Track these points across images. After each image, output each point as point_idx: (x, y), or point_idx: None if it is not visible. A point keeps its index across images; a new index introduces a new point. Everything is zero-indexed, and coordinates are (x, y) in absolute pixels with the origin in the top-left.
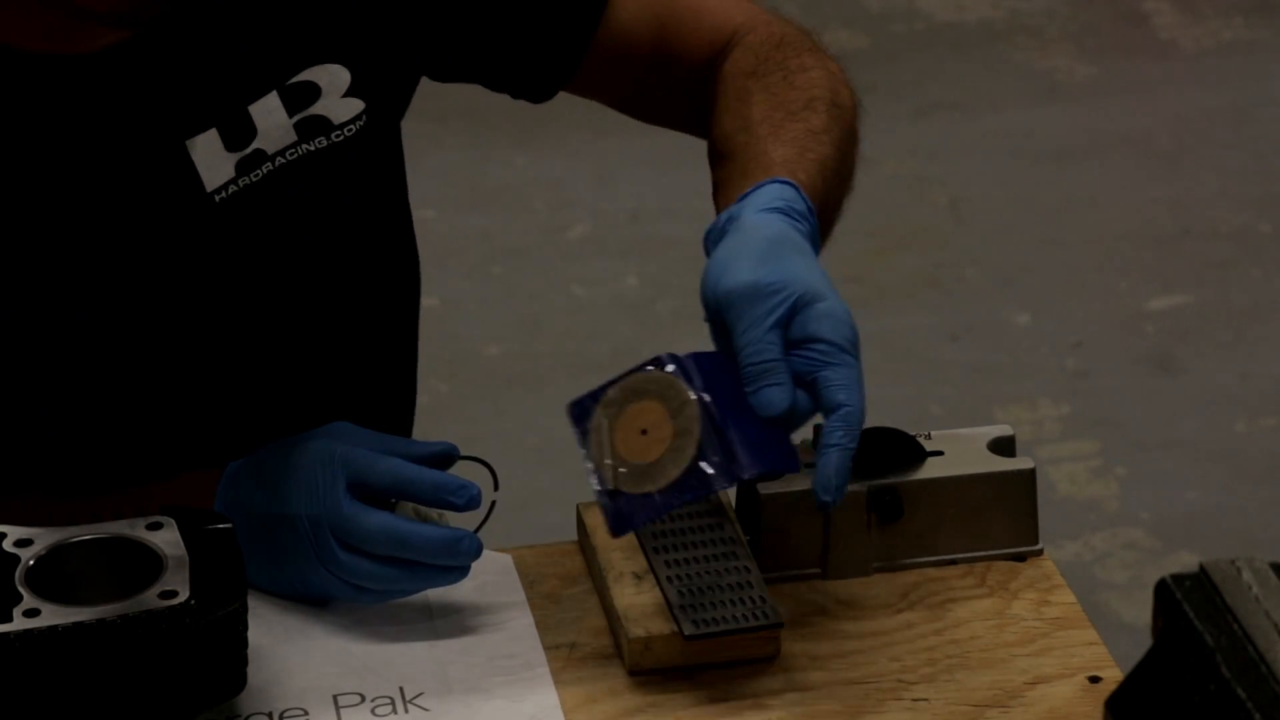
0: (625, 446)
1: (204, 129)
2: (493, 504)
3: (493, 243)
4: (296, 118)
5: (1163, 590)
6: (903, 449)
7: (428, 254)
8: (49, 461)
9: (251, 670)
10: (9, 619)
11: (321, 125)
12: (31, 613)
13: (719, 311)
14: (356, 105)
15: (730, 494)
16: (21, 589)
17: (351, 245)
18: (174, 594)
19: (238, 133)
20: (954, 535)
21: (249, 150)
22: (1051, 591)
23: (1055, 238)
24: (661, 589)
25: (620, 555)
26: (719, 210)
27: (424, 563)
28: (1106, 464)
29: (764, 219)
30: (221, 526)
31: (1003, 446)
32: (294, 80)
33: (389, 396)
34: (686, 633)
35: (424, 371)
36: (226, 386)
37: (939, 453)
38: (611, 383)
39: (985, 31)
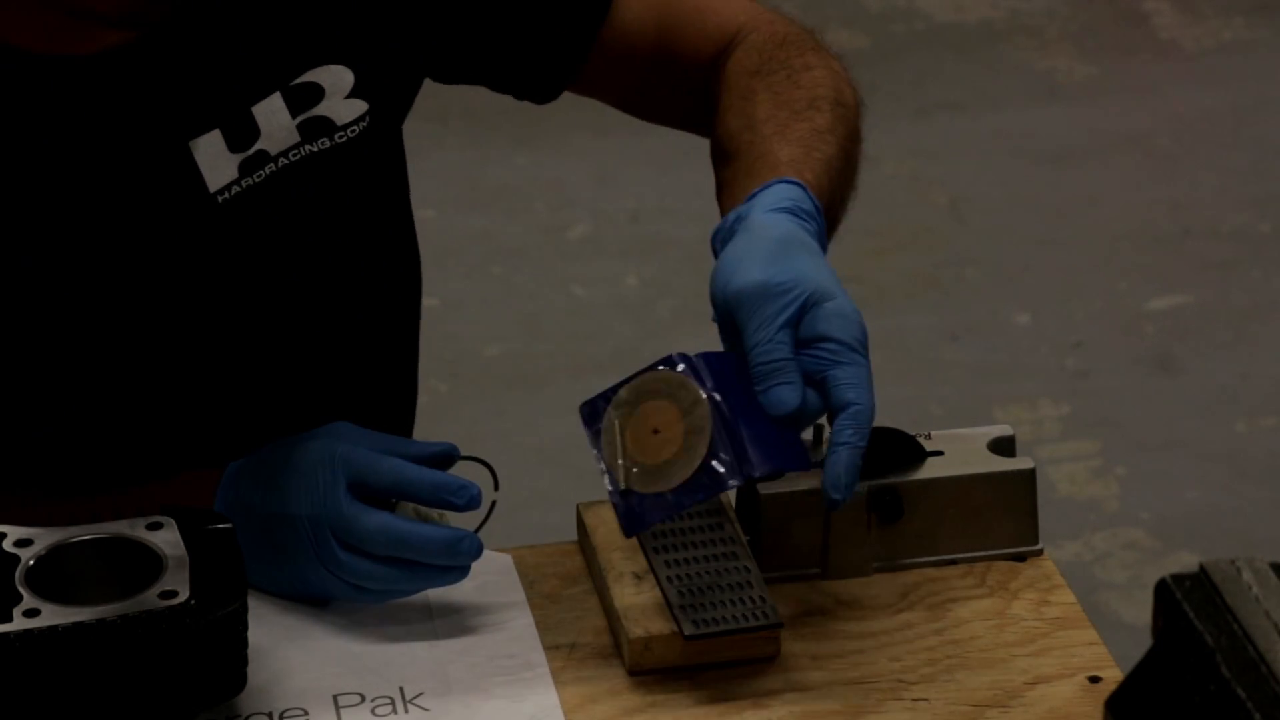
0: (637, 446)
1: (207, 130)
2: (493, 504)
3: (492, 243)
4: (300, 119)
5: (1163, 590)
6: (903, 449)
7: (428, 254)
8: (49, 461)
9: (251, 670)
10: (9, 619)
11: (325, 126)
12: (31, 613)
13: (729, 311)
14: (360, 106)
15: (730, 494)
16: (21, 589)
17: (353, 246)
18: (174, 594)
19: (241, 133)
20: (954, 535)
21: (252, 151)
22: (1051, 591)
23: (1055, 238)
24: (661, 589)
25: (620, 555)
26: (724, 209)
27: (424, 563)
28: (1106, 464)
29: (772, 219)
30: (221, 526)
31: (1003, 446)
32: (297, 81)
33: (390, 397)
34: (686, 633)
35: (424, 371)
36: (227, 386)
37: (939, 453)
38: (623, 383)
39: (985, 31)
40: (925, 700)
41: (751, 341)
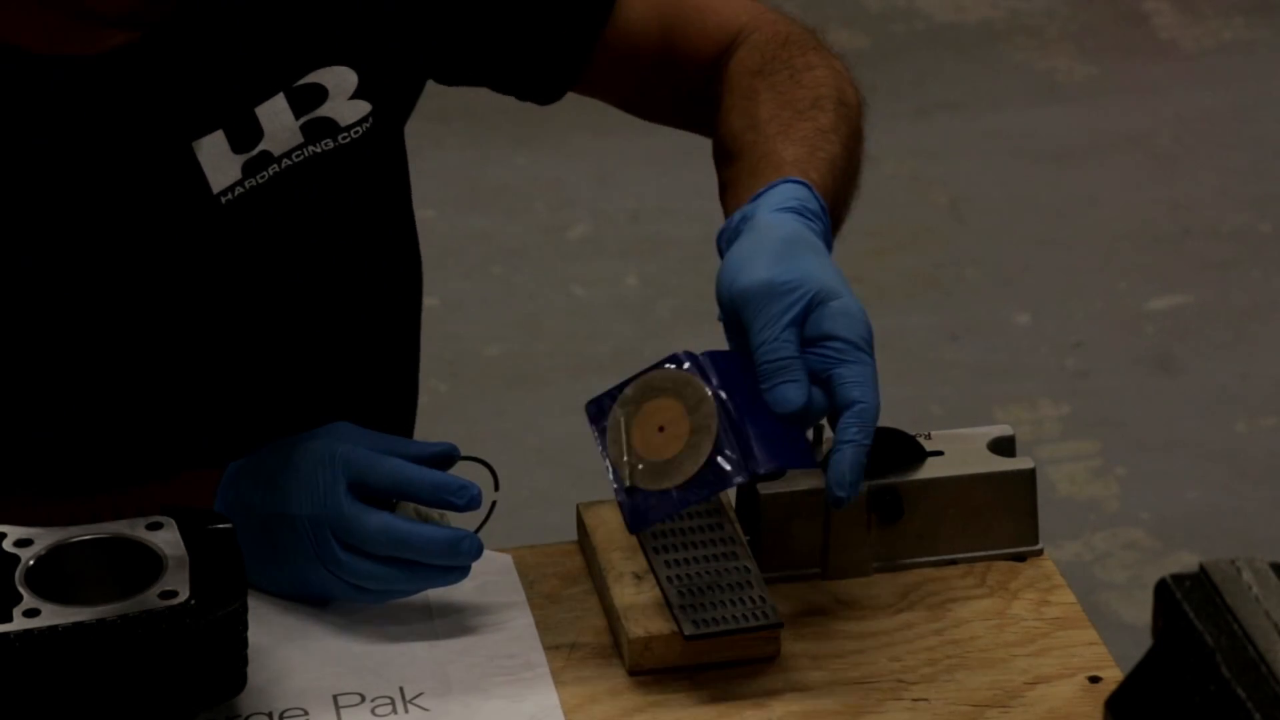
0: (643, 443)
1: (210, 130)
2: (493, 504)
3: (492, 243)
4: (303, 120)
5: (1163, 590)
6: (903, 449)
7: (428, 254)
8: (49, 461)
9: (251, 670)
10: (9, 619)
11: (328, 127)
12: (31, 613)
13: (735, 310)
14: (363, 107)
15: (730, 494)
16: (21, 589)
17: (356, 247)
18: (174, 594)
19: (244, 134)
20: (954, 535)
21: (255, 152)
22: (1051, 591)
23: (1055, 238)
24: (661, 589)
25: (620, 555)
26: (728, 209)
27: (424, 563)
28: (1106, 464)
29: (778, 218)
30: (221, 526)
31: (1003, 446)
32: (301, 82)
33: (390, 397)
34: (686, 633)
35: (424, 371)
36: (228, 386)
37: (939, 453)
38: (628, 381)
39: (985, 31)
40: (925, 700)
41: (757, 340)
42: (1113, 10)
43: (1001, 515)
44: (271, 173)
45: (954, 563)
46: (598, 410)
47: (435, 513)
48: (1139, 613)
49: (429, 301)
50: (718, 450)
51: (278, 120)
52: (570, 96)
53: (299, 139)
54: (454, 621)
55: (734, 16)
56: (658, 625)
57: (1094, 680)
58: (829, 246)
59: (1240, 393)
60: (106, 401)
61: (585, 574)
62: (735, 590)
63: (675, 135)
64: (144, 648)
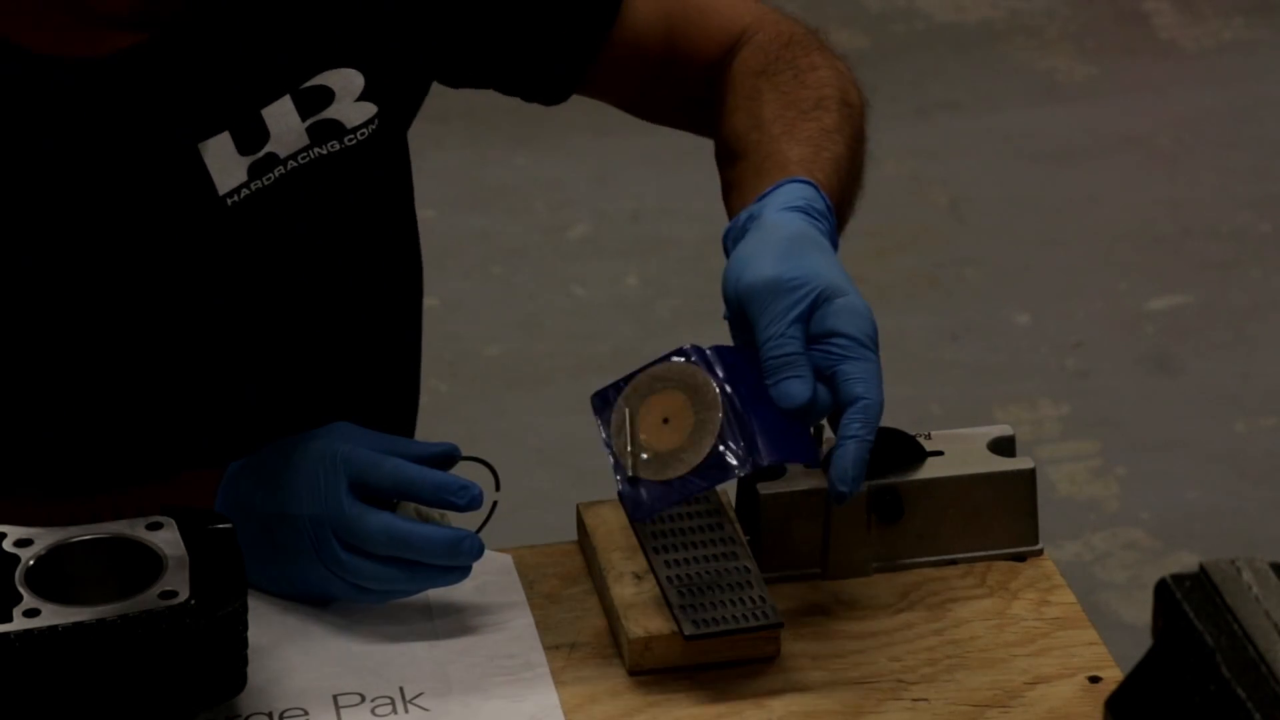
0: (647, 434)
1: (216, 132)
2: (494, 504)
3: (492, 243)
4: (309, 121)
5: (1163, 590)
6: (903, 449)
7: (428, 254)
8: (49, 461)
9: (251, 670)
10: (9, 619)
11: (334, 129)
12: (31, 613)
13: (741, 306)
14: (369, 109)
15: (730, 494)
16: (21, 589)
17: (359, 248)
18: (174, 594)
19: (250, 136)
20: (954, 535)
21: (261, 154)
22: (1051, 591)
23: (1055, 238)
24: (661, 589)
25: (620, 555)
26: (733, 209)
27: (425, 563)
28: (1106, 464)
29: (785, 217)
30: (221, 526)
31: (1003, 446)
32: (307, 84)
33: (391, 397)
34: (686, 633)
35: (424, 371)
36: (230, 386)
37: (939, 453)
38: (634, 373)
39: (985, 31)
40: (925, 700)
41: (763, 336)
42: (1113, 10)
43: (1001, 515)
44: (277, 174)
45: (954, 563)
46: (602, 402)
47: (436, 513)
48: (1139, 613)
49: (429, 301)
50: (721, 441)
51: (284, 122)
52: (571, 97)
53: (305, 141)
54: (454, 621)
55: (737, 17)
56: (658, 625)
57: (1094, 680)
58: (835, 246)
59: (1240, 393)
60: (107, 401)
61: (585, 574)
62: (735, 590)
63: (675, 135)
64: (144, 648)
